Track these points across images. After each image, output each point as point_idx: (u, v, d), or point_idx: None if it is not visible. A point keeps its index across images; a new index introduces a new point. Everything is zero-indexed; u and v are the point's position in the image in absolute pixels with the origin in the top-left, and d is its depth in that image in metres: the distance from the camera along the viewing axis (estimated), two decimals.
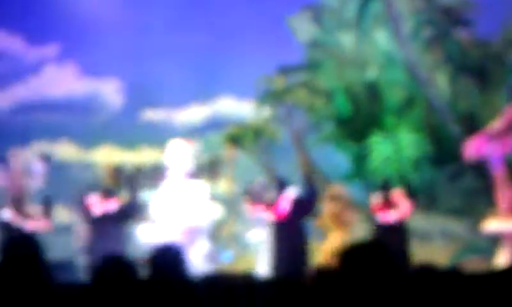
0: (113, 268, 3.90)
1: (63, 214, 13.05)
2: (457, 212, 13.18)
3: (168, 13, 13.78)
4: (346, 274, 3.45)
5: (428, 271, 3.98)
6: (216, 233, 12.13)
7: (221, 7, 13.72)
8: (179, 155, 10.03)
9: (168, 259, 4.07)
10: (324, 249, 10.40)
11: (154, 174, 10.88)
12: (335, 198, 10.78)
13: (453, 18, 13.83)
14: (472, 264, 11.80)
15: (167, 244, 4.30)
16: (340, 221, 10.62)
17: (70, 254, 10.49)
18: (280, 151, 13.60)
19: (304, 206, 10.18)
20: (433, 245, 12.94)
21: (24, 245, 3.80)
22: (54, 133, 13.84)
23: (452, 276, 4.03)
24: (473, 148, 10.57)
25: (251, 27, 13.49)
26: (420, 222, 12.93)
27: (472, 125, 12.79)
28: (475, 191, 13.04)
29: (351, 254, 3.52)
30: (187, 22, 13.69)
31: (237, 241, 12.11)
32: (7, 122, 13.97)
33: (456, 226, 13.14)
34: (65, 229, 11.51)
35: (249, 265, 10.62)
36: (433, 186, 13.42)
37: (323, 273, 4.36)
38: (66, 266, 10.12)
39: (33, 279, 3.68)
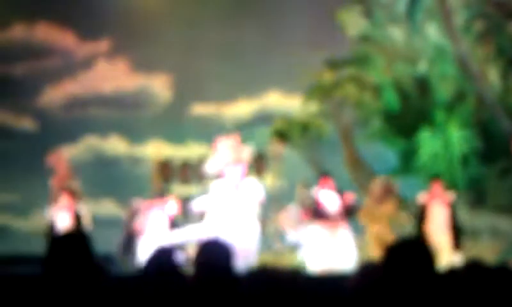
0: (160, 259, 3.97)
1: (112, 208, 13.24)
2: (506, 209, 13.01)
3: (217, 8, 13.85)
4: (391, 271, 3.47)
5: (477, 267, 3.96)
6: (261, 228, 12.17)
7: (270, 2, 13.74)
8: (232, 152, 9.86)
9: (215, 254, 4.10)
10: (368, 242, 10.33)
11: (201, 168, 10.88)
12: (390, 191, 10.68)
13: (505, 11, 13.63)
14: None
15: (215, 239, 4.34)
16: (386, 215, 10.55)
17: (114, 248, 10.61)
18: (327, 146, 13.57)
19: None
20: (481, 243, 12.79)
21: (74, 239, 3.87)
22: (104, 128, 14.03)
23: (501, 273, 3.99)
24: None
25: (300, 20, 13.48)
26: (468, 219, 12.80)
27: None
28: None
29: (396, 251, 3.54)
30: (236, 16, 13.74)
31: (282, 237, 12.12)
32: (59, 117, 14.20)
33: (505, 223, 12.97)
34: (114, 223, 11.65)
35: (294, 261, 10.64)
36: (482, 183, 13.25)
37: (368, 270, 4.37)
38: (113, 260, 10.25)
39: (84, 273, 3.75)
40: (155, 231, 10.18)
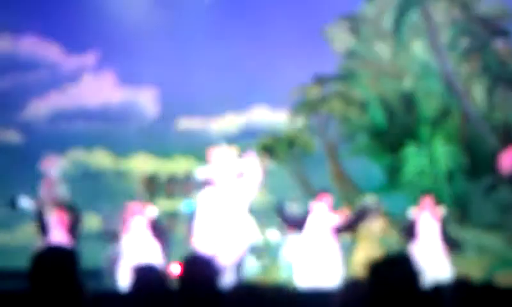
0: (145, 277, 3.95)
1: (96, 222, 13.17)
2: (492, 226, 13.05)
3: (204, 23, 13.87)
4: (376, 288, 3.47)
5: (463, 284, 3.98)
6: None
7: (256, 18, 13.78)
8: (224, 162, 9.86)
9: (199, 269, 4.10)
10: (355, 260, 10.34)
11: (187, 182, 10.86)
12: (375, 210, 10.70)
13: (490, 29, 13.72)
14: (506, 278, 11.66)
15: (198, 254, 4.34)
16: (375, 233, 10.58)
17: (101, 263, 10.54)
18: (313, 161, 13.59)
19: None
20: (467, 259, 12.81)
21: (58, 253, 3.85)
22: (90, 141, 13.99)
23: (486, 290, 4.02)
24: (508, 160, 10.46)
25: (287, 36, 13.52)
26: (453, 235, 12.82)
27: (508, 136, 12.68)
28: (510, 204, 12.90)
29: (380, 268, 3.54)
30: (223, 31, 13.77)
31: (268, 251, 12.10)
32: (45, 130, 14.15)
33: (490, 240, 13.00)
34: (98, 237, 11.59)
35: (280, 275, 10.62)
36: (467, 199, 13.30)
37: (353, 287, 4.37)
38: (96, 274, 10.18)
39: (66, 288, 3.73)
40: (139, 240, 10.11)
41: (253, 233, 9.87)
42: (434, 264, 9.57)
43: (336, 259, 9.97)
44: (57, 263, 3.76)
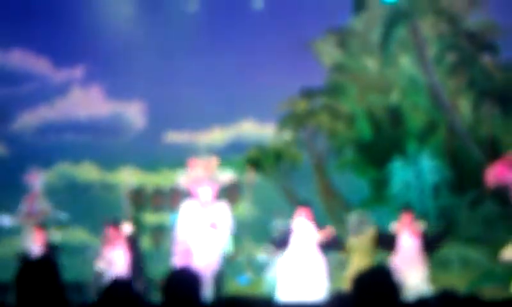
0: (120, 292, 3.97)
1: (83, 234, 13.16)
2: (477, 239, 13.09)
3: (192, 37, 13.91)
4: (359, 301, 3.51)
5: (448, 296, 4.01)
6: (233, 256, 12.15)
7: (244, 31, 13.82)
8: (208, 174, 9.95)
9: (183, 283, 4.11)
10: (348, 274, 10.34)
11: (174, 195, 10.90)
12: (363, 223, 10.75)
13: (477, 43, 13.80)
14: (490, 292, 11.69)
15: (183, 268, 4.35)
16: (364, 247, 10.60)
17: (88, 276, 10.52)
18: (300, 175, 13.62)
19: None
20: (452, 273, 12.85)
21: (41, 266, 3.87)
22: (77, 154, 13.99)
23: (471, 302, 4.05)
24: (494, 174, 10.50)
25: (274, 50, 13.56)
26: (438, 248, 12.87)
27: (494, 151, 12.72)
28: (495, 218, 12.95)
29: (361, 280, 3.59)
30: (210, 45, 13.81)
31: (255, 264, 12.11)
32: (33, 142, 14.14)
33: (475, 254, 13.04)
34: (85, 250, 11.58)
35: (266, 288, 10.63)
36: (453, 212, 13.35)
37: (337, 298, 4.41)
38: (84, 287, 10.17)
39: (50, 300, 3.74)
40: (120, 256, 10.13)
41: (227, 247, 9.92)
42: (412, 277, 9.64)
43: (320, 272, 9.99)
44: (40, 276, 3.78)
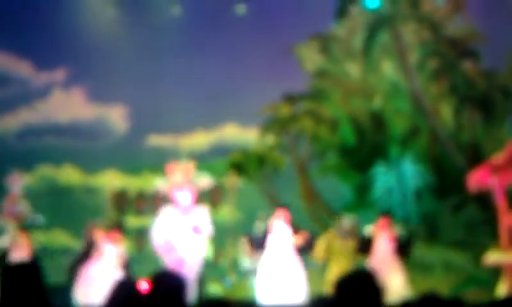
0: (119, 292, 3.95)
1: (64, 238, 13.07)
2: (459, 244, 13.15)
3: (175, 40, 13.88)
4: (340, 302, 3.50)
5: (432, 299, 4.01)
6: (216, 260, 12.12)
7: (226, 35, 13.82)
8: (186, 178, 9.96)
9: (167, 285, 4.09)
10: (329, 278, 10.35)
11: (157, 199, 10.86)
12: (355, 230, 10.80)
13: (459, 50, 13.88)
14: (473, 296, 11.74)
15: (167, 271, 4.34)
16: (348, 252, 10.64)
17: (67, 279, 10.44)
18: (283, 179, 13.62)
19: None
20: (434, 277, 12.90)
21: (25, 270, 3.83)
22: (59, 157, 13.91)
23: (454, 305, 4.05)
24: (476, 179, 10.55)
25: (258, 55, 13.57)
26: (421, 253, 12.91)
27: (476, 156, 12.79)
28: (477, 223, 13.02)
29: (343, 283, 3.57)
30: (193, 49, 13.78)
31: (237, 267, 12.08)
32: (14, 145, 14.04)
33: (458, 258, 13.10)
34: (66, 254, 11.51)
35: (249, 291, 10.61)
36: (436, 217, 13.41)
37: (318, 302, 4.39)
38: (65, 290, 10.09)
39: (34, 303, 3.71)
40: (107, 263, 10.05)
41: (207, 251, 9.93)
42: (390, 281, 9.69)
43: (298, 275, 10.00)
44: (24, 279, 3.75)
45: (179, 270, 8.45)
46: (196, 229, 9.66)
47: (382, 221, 10.57)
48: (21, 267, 3.86)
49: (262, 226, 10.56)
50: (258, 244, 10.25)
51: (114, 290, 3.99)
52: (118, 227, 10.58)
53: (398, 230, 10.64)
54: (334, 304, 3.56)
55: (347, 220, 10.88)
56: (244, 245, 10.67)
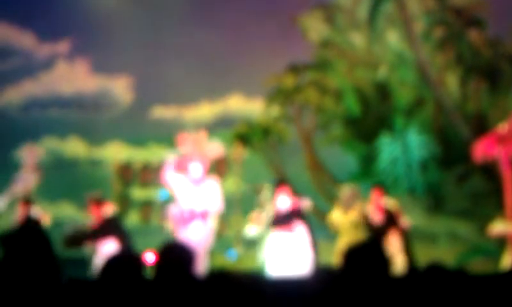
0: (120, 264, 3.95)
1: (70, 210, 13.11)
2: (464, 214, 13.17)
3: (179, 11, 13.82)
4: (348, 273, 3.51)
5: (437, 269, 4.02)
6: (221, 231, 12.14)
7: (231, 5, 13.75)
8: (197, 149, 9.82)
9: (174, 256, 4.10)
10: (338, 249, 10.38)
11: (162, 170, 10.81)
12: (356, 197, 10.81)
13: (465, 19, 13.79)
14: (478, 266, 11.78)
15: (174, 243, 4.34)
16: (354, 222, 10.65)
17: (76, 253, 10.47)
18: (288, 150, 13.62)
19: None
20: (439, 247, 12.93)
21: (36, 238, 3.83)
22: (63, 129, 13.91)
23: (459, 275, 4.06)
24: (481, 149, 10.54)
25: (262, 25, 13.51)
26: (426, 223, 12.94)
27: (481, 126, 12.76)
28: (482, 193, 13.02)
29: (350, 255, 3.58)
30: (197, 19, 13.72)
31: (243, 239, 12.11)
32: (18, 118, 14.04)
33: (463, 228, 13.13)
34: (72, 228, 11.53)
35: (255, 263, 10.62)
36: (441, 187, 13.42)
37: (327, 274, 4.40)
38: (72, 263, 10.11)
39: (44, 273, 3.71)
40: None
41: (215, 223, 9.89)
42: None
43: (304, 246, 10.00)
44: (33, 245, 3.75)
45: (191, 241, 8.42)
46: (203, 215, 9.55)
47: (374, 192, 10.58)
48: (24, 231, 3.86)
49: (268, 194, 10.48)
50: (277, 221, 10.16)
51: (112, 264, 3.97)
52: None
53: (393, 203, 10.64)
54: (342, 275, 3.57)
55: (347, 189, 10.87)
56: (254, 215, 10.61)
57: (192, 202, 9.56)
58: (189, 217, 9.48)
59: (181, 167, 9.71)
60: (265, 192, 10.59)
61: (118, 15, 13.81)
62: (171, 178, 9.67)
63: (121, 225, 10.31)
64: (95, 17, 13.80)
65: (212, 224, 9.70)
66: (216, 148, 10.08)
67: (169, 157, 9.85)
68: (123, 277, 3.87)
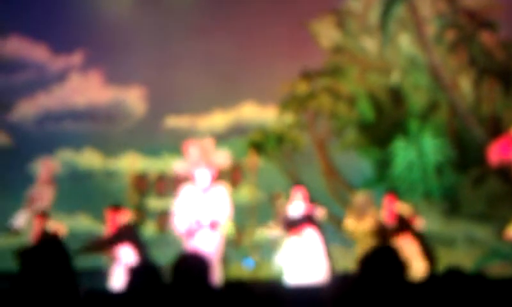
0: (140, 274, 3.95)
1: (86, 222, 13.13)
2: (481, 217, 13.10)
3: (190, 20, 13.85)
4: (364, 279, 3.49)
5: (455, 274, 4.00)
6: (237, 240, 12.13)
7: (242, 13, 13.76)
8: (202, 155, 9.79)
9: (191, 266, 4.09)
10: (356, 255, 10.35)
11: (178, 180, 10.81)
12: (370, 205, 10.78)
13: (477, 21, 13.75)
14: (496, 269, 11.72)
15: (190, 253, 4.33)
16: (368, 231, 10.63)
17: (93, 263, 10.49)
18: (302, 157, 13.60)
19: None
20: (457, 251, 12.87)
21: (55, 251, 3.84)
22: (78, 141, 13.95)
23: (478, 280, 4.04)
24: (497, 152, 10.49)
25: (274, 32, 13.52)
26: (443, 228, 12.88)
27: (496, 128, 12.72)
28: (499, 196, 12.96)
29: (367, 260, 3.56)
30: (209, 28, 13.74)
31: (259, 248, 12.10)
32: (32, 131, 14.09)
33: (480, 232, 13.06)
34: (89, 237, 11.55)
35: (271, 272, 10.61)
36: (457, 191, 13.36)
37: (343, 280, 4.39)
38: (88, 274, 10.12)
39: (63, 287, 3.72)
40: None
41: (228, 230, 9.86)
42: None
43: (316, 252, 9.98)
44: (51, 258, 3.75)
45: (201, 251, 8.41)
46: (213, 225, 9.52)
47: (386, 198, 10.55)
48: (48, 247, 3.87)
49: (284, 203, 10.49)
50: (290, 224, 10.15)
51: (134, 275, 3.99)
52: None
53: (408, 208, 10.60)
54: (358, 280, 3.56)
55: (360, 197, 10.85)
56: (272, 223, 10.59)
57: (200, 211, 9.53)
58: (196, 227, 9.45)
59: (188, 175, 9.70)
60: (282, 200, 10.59)
61: (130, 26, 13.86)
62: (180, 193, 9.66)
63: (138, 233, 10.31)
64: (107, 29, 13.86)
65: (221, 232, 9.66)
66: (223, 156, 10.05)
67: (177, 166, 9.87)
68: (146, 288, 3.88)
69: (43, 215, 10.60)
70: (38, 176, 11.21)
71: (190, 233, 9.48)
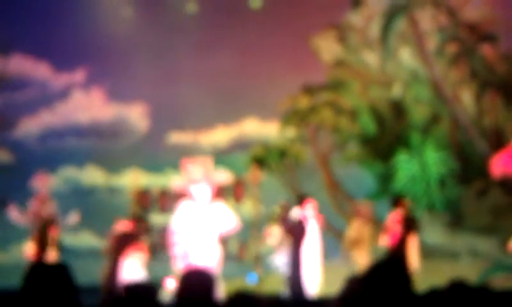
0: (135, 293, 3.96)
1: (89, 238, 13.13)
2: (485, 230, 13.08)
3: (191, 37, 13.90)
4: (371, 292, 3.49)
5: (459, 287, 3.99)
6: (240, 255, 12.12)
7: (243, 29, 13.81)
8: (203, 174, 9.79)
9: (196, 283, 4.10)
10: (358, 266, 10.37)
11: (180, 196, 10.80)
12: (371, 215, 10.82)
13: (477, 34, 13.78)
14: (500, 282, 11.69)
15: (195, 268, 4.34)
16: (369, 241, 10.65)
17: (95, 279, 10.48)
18: (305, 171, 13.61)
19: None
20: (461, 263, 12.84)
21: (56, 270, 3.85)
22: (81, 158, 13.97)
23: (482, 292, 4.03)
24: (499, 164, 10.49)
25: (275, 47, 13.55)
26: (447, 240, 12.86)
27: (498, 140, 12.72)
28: (502, 208, 12.94)
29: (373, 272, 3.56)
30: (210, 44, 13.79)
31: (262, 263, 12.08)
32: (35, 148, 14.12)
33: (484, 244, 13.03)
34: (92, 254, 11.57)
35: (274, 286, 10.60)
36: (460, 204, 13.35)
37: (350, 292, 4.38)
38: (90, 291, 10.10)
39: (65, 304, 3.72)
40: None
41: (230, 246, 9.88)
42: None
43: (311, 259, 10.02)
44: (52, 279, 3.76)
45: (205, 267, 8.39)
46: (211, 240, 9.51)
47: (395, 205, 10.56)
48: (51, 267, 3.87)
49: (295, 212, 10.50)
50: (295, 230, 10.16)
51: (133, 295, 3.98)
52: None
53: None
54: (364, 292, 3.56)
55: (361, 205, 10.89)
56: (272, 235, 10.58)
57: (199, 227, 9.51)
58: (195, 243, 9.43)
59: (187, 192, 9.70)
60: (282, 208, 10.62)
61: (131, 44, 13.91)
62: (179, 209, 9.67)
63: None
64: (109, 46, 13.91)
65: (221, 248, 9.64)
66: (221, 175, 10.10)
67: (176, 183, 9.88)
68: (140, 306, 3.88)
69: (53, 223, 10.63)
70: (35, 191, 11.23)
71: (186, 255, 9.43)
